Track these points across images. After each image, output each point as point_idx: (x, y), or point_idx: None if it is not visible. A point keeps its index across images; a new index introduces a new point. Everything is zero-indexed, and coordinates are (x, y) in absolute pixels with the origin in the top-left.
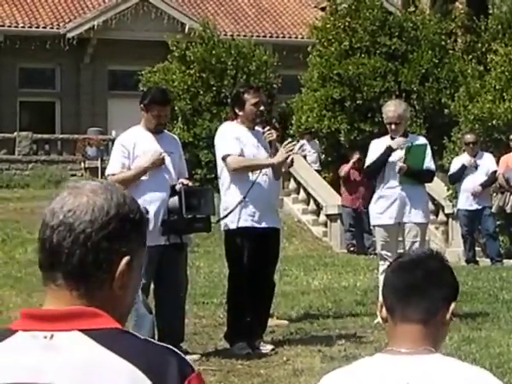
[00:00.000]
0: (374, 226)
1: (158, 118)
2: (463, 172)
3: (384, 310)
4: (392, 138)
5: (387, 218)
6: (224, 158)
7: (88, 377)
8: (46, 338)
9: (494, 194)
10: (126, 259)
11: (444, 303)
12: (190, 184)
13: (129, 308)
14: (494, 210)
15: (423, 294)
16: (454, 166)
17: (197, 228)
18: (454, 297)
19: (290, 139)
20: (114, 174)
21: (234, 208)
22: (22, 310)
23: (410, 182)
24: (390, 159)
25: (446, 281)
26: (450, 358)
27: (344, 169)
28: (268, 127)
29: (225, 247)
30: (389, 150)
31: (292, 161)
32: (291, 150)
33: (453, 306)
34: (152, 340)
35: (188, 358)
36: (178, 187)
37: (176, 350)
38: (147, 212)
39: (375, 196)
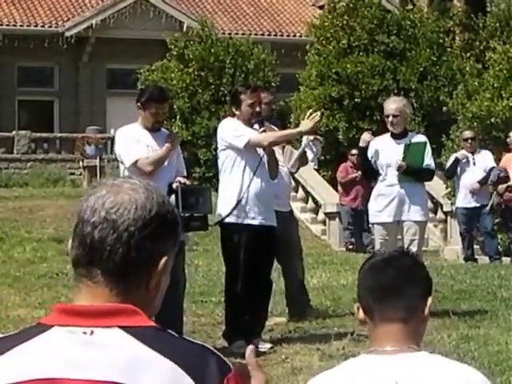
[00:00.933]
0: (372, 224)
1: (155, 115)
2: (457, 166)
3: (361, 311)
4: (392, 134)
5: (386, 216)
6: (247, 143)
7: (131, 374)
8: (85, 333)
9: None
10: (164, 259)
11: (422, 300)
12: (188, 182)
13: (157, 308)
14: (487, 208)
15: (400, 293)
16: (450, 161)
17: (194, 226)
18: (430, 292)
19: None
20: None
21: (231, 211)
22: (57, 306)
23: (408, 180)
24: (390, 157)
25: (420, 277)
26: (437, 355)
27: (347, 177)
28: (263, 128)
29: (221, 244)
30: (360, 150)
31: (306, 156)
32: (316, 117)
33: (430, 300)
34: (189, 338)
35: None
36: (174, 186)
37: (212, 348)
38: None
39: (374, 194)
